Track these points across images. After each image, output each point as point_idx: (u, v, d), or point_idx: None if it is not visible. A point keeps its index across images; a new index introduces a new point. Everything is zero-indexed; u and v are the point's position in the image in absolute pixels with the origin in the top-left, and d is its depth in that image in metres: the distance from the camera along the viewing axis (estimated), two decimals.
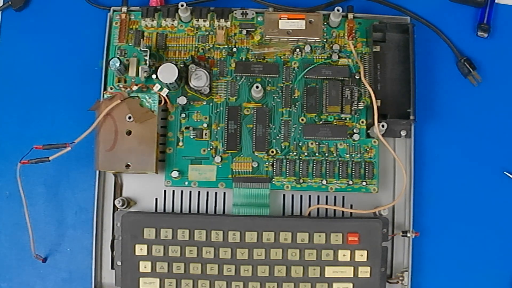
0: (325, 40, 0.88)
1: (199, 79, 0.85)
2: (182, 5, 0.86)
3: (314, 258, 0.82)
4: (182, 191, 0.87)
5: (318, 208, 0.86)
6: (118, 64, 0.83)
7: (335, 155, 0.86)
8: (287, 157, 0.86)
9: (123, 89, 0.85)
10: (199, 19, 0.88)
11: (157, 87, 0.83)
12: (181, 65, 0.86)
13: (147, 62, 0.84)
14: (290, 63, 0.88)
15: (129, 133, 0.82)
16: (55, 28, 0.91)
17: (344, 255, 0.82)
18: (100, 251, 0.86)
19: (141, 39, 0.87)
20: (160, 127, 0.85)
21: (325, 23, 0.88)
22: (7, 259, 0.87)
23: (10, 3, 0.90)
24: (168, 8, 0.88)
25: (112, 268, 0.85)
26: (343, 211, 0.86)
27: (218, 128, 0.86)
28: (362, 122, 0.87)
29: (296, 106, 0.87)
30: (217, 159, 0.85)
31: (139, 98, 0.83)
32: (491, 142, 0.89)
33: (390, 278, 0.85)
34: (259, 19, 0.88)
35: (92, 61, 0.89)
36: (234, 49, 0.88)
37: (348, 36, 0.88)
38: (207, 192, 0.87)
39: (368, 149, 0.86)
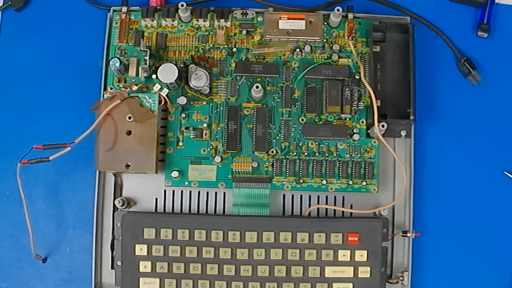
0: (325, 40, 0.88)
1: (199, 79, 0.85)
2: (182, 5, 0.86)
3: (314, 258, 0.82)
4: (182, 191, 0.87)
5: (318, 208, 0.86)
6: (118, 64, 0.83)
7: (335, 155, 0.86)
8: (287, 157, 0.86)
9: (123, 89, 0.85)
10: (199, 19, 0.88)
11: (157, 87, 0.83)
12: (181, 65, 0.86)
13: (147, 62, 0.84)
14: (290, 63, 0.88)
15: (129, 133, 0.82)
16: (55, 28, 0.91)
17: (344, 255, 0.82)
18: (100, 251, 0.86)
19: (141, 39, 0.87)
20: (160, 127, 0.85)
21: (325, 23, 0.88)
22: (7, 259, 0.87)
23: (10, 3, 0.90)
24: (168, 8, 0.88)
25: (112, 268, 0.85)
26: (343, 211, 0.86)
27: (218, 128, 0.86)
28: (362, 122, 0.87)
29: (296, 106, 0.87)
30: (217, 159, 0.85)
31: (139, 98, 0.83)
32: (491, 142, 0.89)
33: (390, 278, 0.85)
34: (259, 19, 0.88)
35: (92, 61, 0.89)
36: (234, 49, 0.88)
37: (348, 36, 0.88)
38: (207, 192, 0.87)
39: (368, 149, 0.86)
